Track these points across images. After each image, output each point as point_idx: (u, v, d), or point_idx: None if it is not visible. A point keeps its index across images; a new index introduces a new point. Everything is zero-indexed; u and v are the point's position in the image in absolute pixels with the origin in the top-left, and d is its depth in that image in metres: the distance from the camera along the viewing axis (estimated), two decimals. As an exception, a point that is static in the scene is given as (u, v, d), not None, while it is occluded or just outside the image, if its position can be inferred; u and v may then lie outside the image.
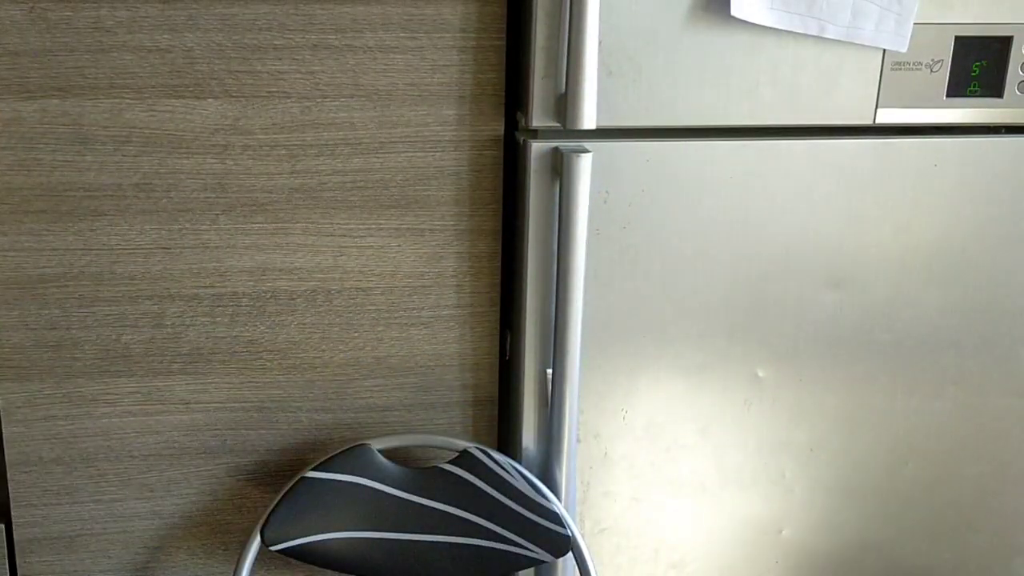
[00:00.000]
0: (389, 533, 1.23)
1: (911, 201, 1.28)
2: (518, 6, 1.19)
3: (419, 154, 1.21)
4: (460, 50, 1.18)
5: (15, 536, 1.27)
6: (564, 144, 1.19)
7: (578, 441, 1.30)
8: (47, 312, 1.21)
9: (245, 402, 1.27)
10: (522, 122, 1.22)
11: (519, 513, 1.23)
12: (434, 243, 1.25)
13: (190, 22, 1.14)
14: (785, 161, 1.24)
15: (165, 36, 1.14)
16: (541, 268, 1.24)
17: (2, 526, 1.27)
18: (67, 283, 1.20)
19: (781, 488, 1.37)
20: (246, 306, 1.24)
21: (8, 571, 1.28)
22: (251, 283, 1.23)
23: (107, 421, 1.25)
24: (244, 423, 1.28)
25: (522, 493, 1.23)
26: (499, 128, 1.22)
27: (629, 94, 1.18)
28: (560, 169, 1.17)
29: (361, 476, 1.23)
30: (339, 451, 1.23)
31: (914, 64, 1.22)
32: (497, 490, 1.23)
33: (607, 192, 1.21)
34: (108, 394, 1.24)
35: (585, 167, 1.16)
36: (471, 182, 1.23)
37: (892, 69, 1.22)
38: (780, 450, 1.35)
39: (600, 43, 1.14)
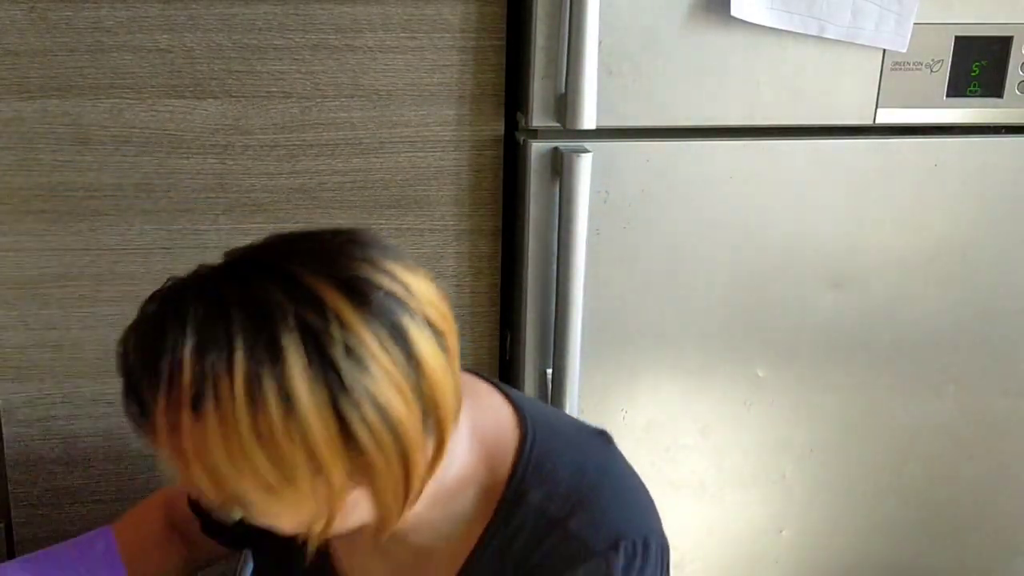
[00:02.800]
0: (389, 533, 1.23)
1: (911, 201, 1.28)
2: (518, 6, 1.19)
3: (419, 154, 1.21)
4: (460, 50, 1.18)
5: (15, 536, 1.27)
6: (564, 144, 1.19)
7: (578, 441, 1.30)
8: (47, 312, 1.21)
9: (245, 402, 1.27)
10: (522, 122, 1.22)
11: (519, 513, 1.22)
12: (434, 243, 1.25)
13: (190, 22, 1.14)
14: (785, 161, 1.24)
15: (165, 36, 1.14)
16: (541, 268, 1.24)
17: (2, 526, 1.27)
18: (67, 283, 1.20)
19: (781, 488, 1.37)
20: (246, 306, 1.24)
21: (8, 571, 1.28)
22: (251, 283, 1.23)
23: (107, 421, 1.25)
24: (244, 423, 1.28)
25: (522, 493, 1.22)
26: (499, 128, 1.22)
27: (629, 94, 1.18)
28: (560, 169, 1.17)
29: (361, 476, 1.23)
30: (339, 451, 1.23)
31: (914, 64, 1.22)
32: (497, 490, 1.23)
33: (607, 192, 1.21)
34: (108, 394, 1.24)
35: (585, 167, 1.16)
36: (471, 182, 1.23)
37: (892, 69, 1.22)
38: (780, 450, 1.35)
39: (600, 43, 1.13)
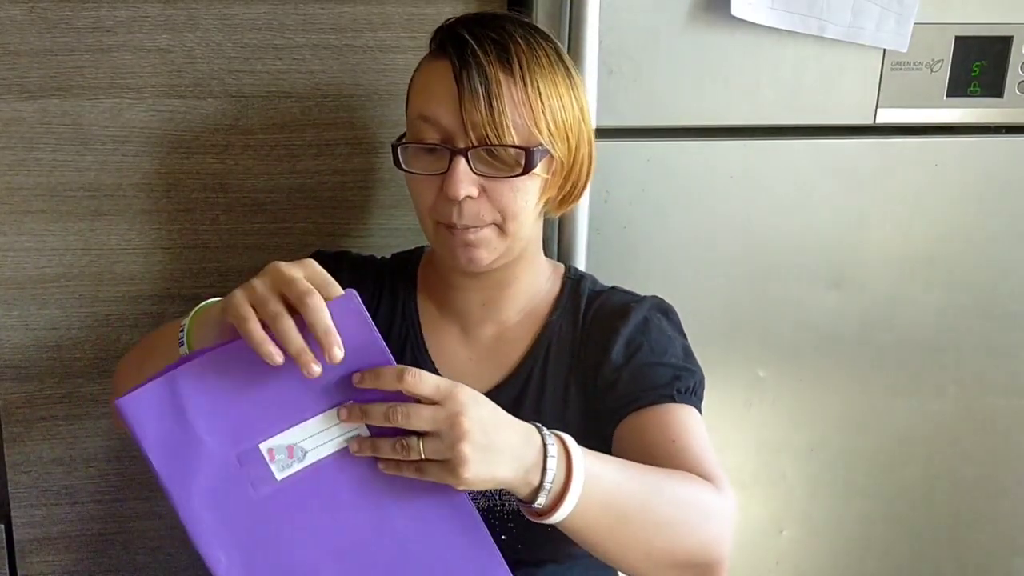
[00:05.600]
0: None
1: (911, 201, 1.28)
2: (519, 5, 1.19)
3: (419, 154, 1.21)
4: (460, 50, 1.18)
5: (15, 536, 1.27)
6: (564, 144, 1.18)
7: (578, 441, 1.30)
8: (47, 312, 1.21)
9: (245, 402, 1.27)
10: (522, 122, 1.21)
11: (519, 513, 1.22)
12: (434, 243, 1.25)
13: (190, 22, 1.14)
14: (785, 161, 1.24)
15: (165, 36, 1.14)
16: (541, 268, 1.23)
17: (2, 526, 1.27)
18: (67, 283, 1.20)
19: (781, 488, 1.37)
20: (246, 306, 1.24)
21: (8, 571, 1.28)
22: (251, 283, 1.23)
23: (107, 421, 1.25)
24: (244, 423, 1.28)
25: (522, 493, 1.22)
26: (499, 128, 1.22)
27: (629, 94, 1.18)
28: (560, 169, 1.17)
29: (361, 476, 1.22)
30: (339, 451, 1.23)
31: (914, 64, 1.22)
32: (497, 490, 1.23)
33: (607, 192, 1.21)
34: (108, 394, 1.24)
35: (585, 167, 1.16)
36: (471, 182, 1.23)
37: (892, 69, 1.22)
38: (780, 450, 1.35)
39: (600, 43, 1.13)
